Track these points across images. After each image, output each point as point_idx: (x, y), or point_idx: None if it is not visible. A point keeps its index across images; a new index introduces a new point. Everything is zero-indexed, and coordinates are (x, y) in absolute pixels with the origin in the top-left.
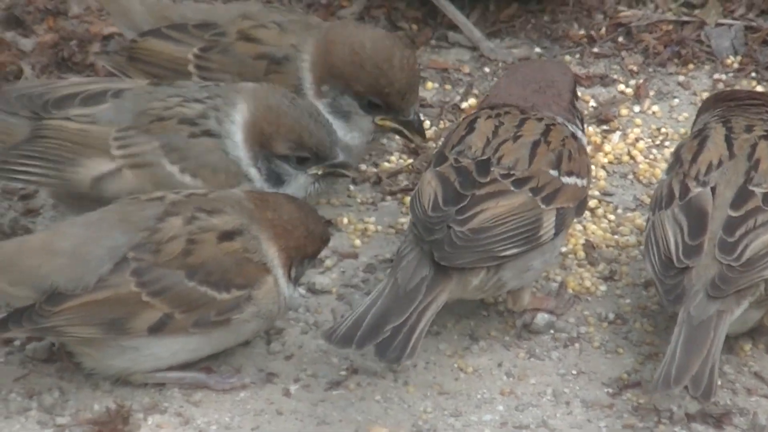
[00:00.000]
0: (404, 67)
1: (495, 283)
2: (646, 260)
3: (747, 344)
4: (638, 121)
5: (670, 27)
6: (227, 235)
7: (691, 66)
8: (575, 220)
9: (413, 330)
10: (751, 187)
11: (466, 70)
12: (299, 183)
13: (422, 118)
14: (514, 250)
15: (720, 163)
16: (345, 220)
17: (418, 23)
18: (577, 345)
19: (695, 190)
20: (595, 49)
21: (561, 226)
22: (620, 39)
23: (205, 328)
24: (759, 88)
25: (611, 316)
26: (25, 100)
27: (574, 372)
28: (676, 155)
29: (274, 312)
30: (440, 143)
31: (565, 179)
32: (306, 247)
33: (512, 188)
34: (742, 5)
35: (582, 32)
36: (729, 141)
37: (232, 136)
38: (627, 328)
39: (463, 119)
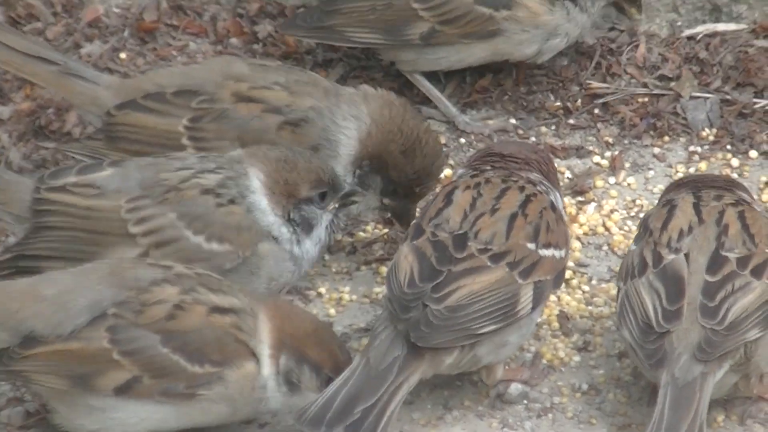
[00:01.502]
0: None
1: (470, 359)
2: (622, 329)
3: (720, 415)
4: (613, 192)
5: (646, 99)
6: (219, 310)
7: (666, 138)
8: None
9: (383, 411)
10: (723, 253)
11: (442, 140)
12: (323, 224)
13: None
14: (491, 327)
15: (690, 229)
16: (320, 290)
17: (394, 94)
18: (550, 415)
19: (669, 257)
20: (571, 121)
21: (539, 299)
22: (596, 111)
23: (172, 399)
24: (734, 161)
25: (585, 386)
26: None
27: None
28: (644, 225)
29: (246, 401)
30: (417, 214)
31: (543, 251)
32: (307, 346)
33: (489, 263)
34: (718, 78)
35: (558, 104)
36: (697, 208)
37: (258, 205)
38: (600, 398)
39: (441, 190)
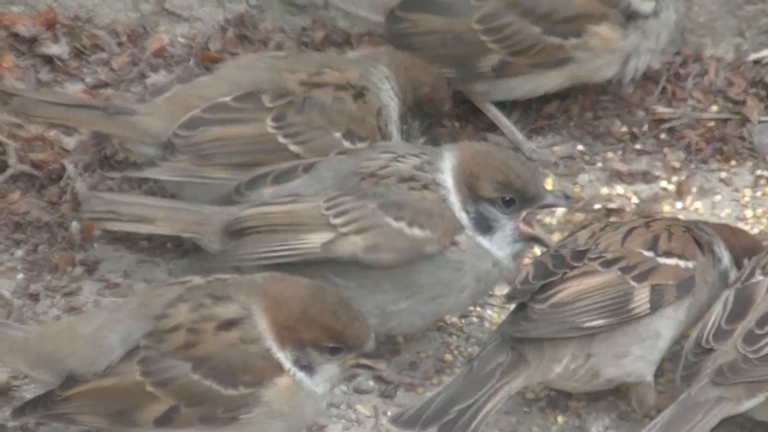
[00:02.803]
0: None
1: (587, 371)
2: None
3: None
4: (681, 217)
5: (712, 124)
6: (225, 325)
7: (733, 162)
8: None
9: (479, 411)
10: None
11: None
12: (505, 229)
13: None
14: (600, 321)
15: None
16: None
17: (459, 120)
18: None
19: (757, 277)
20: (637, 146)
21: (658, 301)
22: (662, 136)
23: (212, 425)
24: None
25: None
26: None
27: None
28: None
29: (295, 414)
30: None
31: (663, 260)
32: (300, 329)
33: (600, 268)
34: None
35: (624, 129)
36: None
37: (444, 183)
38: None
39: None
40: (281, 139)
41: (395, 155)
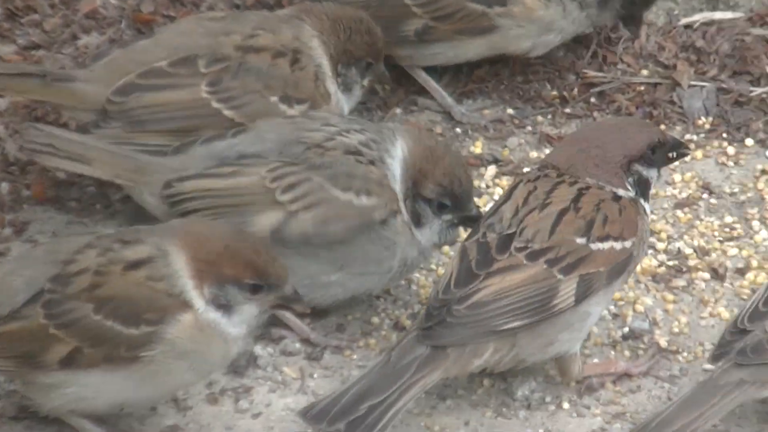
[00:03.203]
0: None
1: (512, 359)
2: None
3: None
4: None
5: (642, 88)
6: (133, 265)
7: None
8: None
9: (389, 408)
10: None
11: (439, 130)
12: (433, 228)
13: None
14: (518, 323)
15: None
16: None
17: (390, 84)
18: (544, 405)
19: None
20: (568, 110)
21: (585, 292)
22: (592, 99)
23: (116, 364)
24: (730, 149)
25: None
26: None
27: (541, 431)
28: None
29: (205, 351)
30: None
31: (597, 245)
32: (221, 264)
33: (525, 262)
34: (714, 67)
35: (554, 93)
36: None
37: (393, 170)
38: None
39: (509, 185)
40: (215, 104)
41: (338, 129)
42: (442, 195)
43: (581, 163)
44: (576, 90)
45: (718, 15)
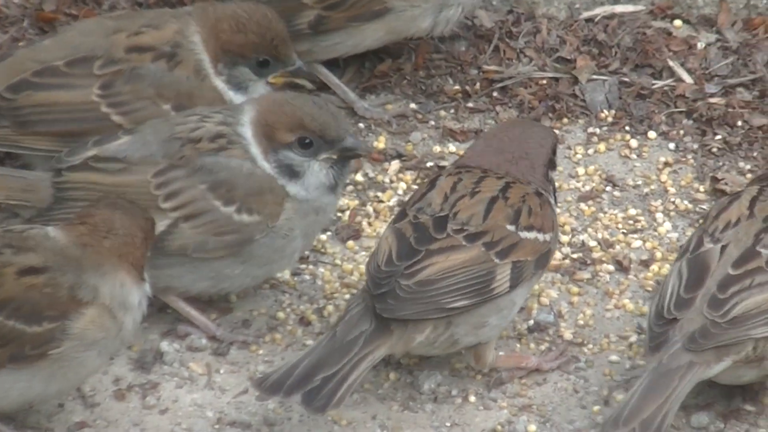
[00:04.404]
0: (278, 20)
1: (447, 339)
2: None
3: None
4: None
5: (545, 82)
6: (28, 271)
7: (565, 120)
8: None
9: (343, 380)
10: (758, 248)
11: None
12: (314, 172)
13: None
14: (463, 302)
15: (737, 222)
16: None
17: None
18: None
19: (707, 245)
20: (470, 104)
21: (518, 279)
22: (495, 94)
23: (23, 363)
24: (633, 142)
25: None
26: None
27: (448, 424)
28: (708, 211)
29: (115, 332)
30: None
31: (524, 234)
32: (147, 247)
33: (464, 243)
34: (616, 60)
35: (457, 87)
36: (753, 202)
37: (244, 134)
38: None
39: (427, 178)
40: (104, 108)
41: (201, 116)
42: (296, 132)
43: (513, 174)
44: (478, 84)
45: (620, 8)
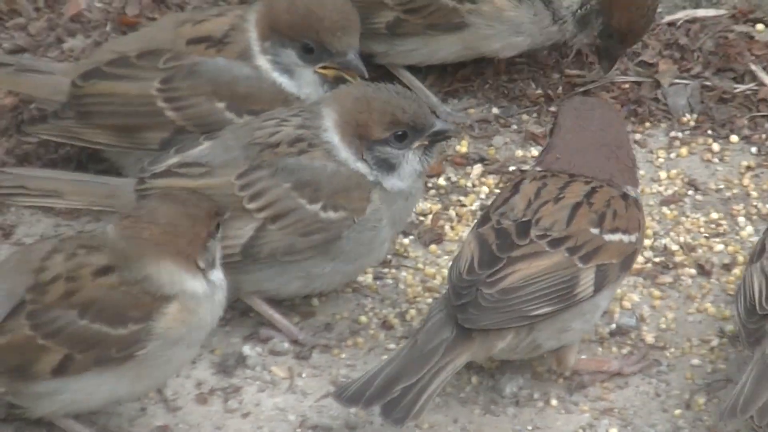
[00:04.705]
0: (336, 7)
1: (529, 344)
2: (734, 309)
3: (701, 398)
4: None
5: (627, 86)
6: (102, 270)
7: (647, 124)
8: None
9: (423, 391)
10: None
11: None
12: (409, 162)
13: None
14: (547, 309)
15: None
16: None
17: (364, 77)
18: (533, 402)
19: None
20: (553, 108)
21: (602, 282)
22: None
23: (109, 365)
24: (715, 146)
25: (567, 372)
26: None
27: (530, 428)
28: None
29: (196, 325)
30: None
31: (609, 236)
32: (200, 235)
33: (547, 248)
34: (698, 64)
35: (539, 91)
36: None
37: (331, 140)
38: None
39: (510, 181)
40: (160, 103)
41: (278, 119)
42: (392, 128)
43: (616, 171)
44: (560, 89)
45: (701, 12)
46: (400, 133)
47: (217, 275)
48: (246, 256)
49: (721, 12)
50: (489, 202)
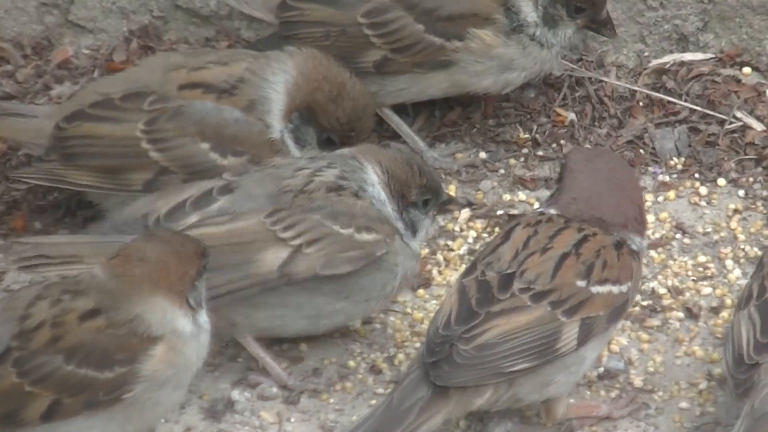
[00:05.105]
0: (370, 115)
1: (509, 398)
2: (722, 358)
3: None
4: None
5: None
6: (89, 314)
7: (635, 168)
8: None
9: None
10: None
11: None
12: (425, 227)
13: None
14: (525, 365)
15: None
16: None
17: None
18: None
19: None
20: (540, 152)
21: (587, 336)
22: (563, 141)
23: (98, 409)
24: (702, 189)
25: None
26: (132, 225)
27: None
28: (760, 260)
29: (183, 366)
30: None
31: (596, 288)
32: (189, 273)
33: (529, 303)
34: (685, 108)
35: (526, 135)
36: None
37: (378, 196)
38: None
39: (504, 227)
40: (144, 145)
41: (311, 170)
42: (424, 192)
43: (621, 208)
44: (548, 132)
45: (689, 56)
46: (428, 198)
47: (203, 317)
48: (283, 275)
49: (708, 55)
50: (477, 247)
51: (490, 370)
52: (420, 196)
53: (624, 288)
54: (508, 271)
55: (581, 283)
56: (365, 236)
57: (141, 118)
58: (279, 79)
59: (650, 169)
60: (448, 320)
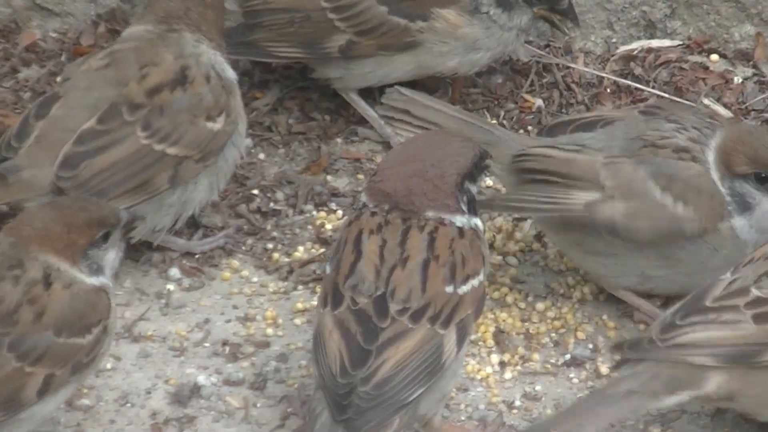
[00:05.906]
0: None
1: (414, 419)
2: None
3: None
4: None
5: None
6: (45, 281)
7: None
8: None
9: None
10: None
11: (378, 159)
12: (763, 212)
13: (335, 207)
14: (420, 390)
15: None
16: (256, 309)
17: (331, 114)
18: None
19: None
20: None
21: (463, 338)
22: (530, 128)
23: (81, 371)
24: None
25: (518, 402)
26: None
27: None
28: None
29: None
30: (330, 263)
31: (463, 289)
32: (77, 242)
33: (410, 325)
34: (653, 94)
35: (493, 121)
36: None
37: (708, 158)
38: (537, 412)
39: (348, 234)
40: (157, 146)
41: (680, 126)
42: (753, 165)
43: (419, 188)
44: (515, 118)
45: (656, 43)
46: (763, 174)
47: (103, 281)
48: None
49: (676, 42)
50: (331, 258)
51: (393, 405)
52: (748, 168)
53: (481, 276)
54: (378, 293)
55: (449, 289)
56: (679, 209)
57: (133, 129)
58: (204, 46)
59: None
60: (344, 366)
